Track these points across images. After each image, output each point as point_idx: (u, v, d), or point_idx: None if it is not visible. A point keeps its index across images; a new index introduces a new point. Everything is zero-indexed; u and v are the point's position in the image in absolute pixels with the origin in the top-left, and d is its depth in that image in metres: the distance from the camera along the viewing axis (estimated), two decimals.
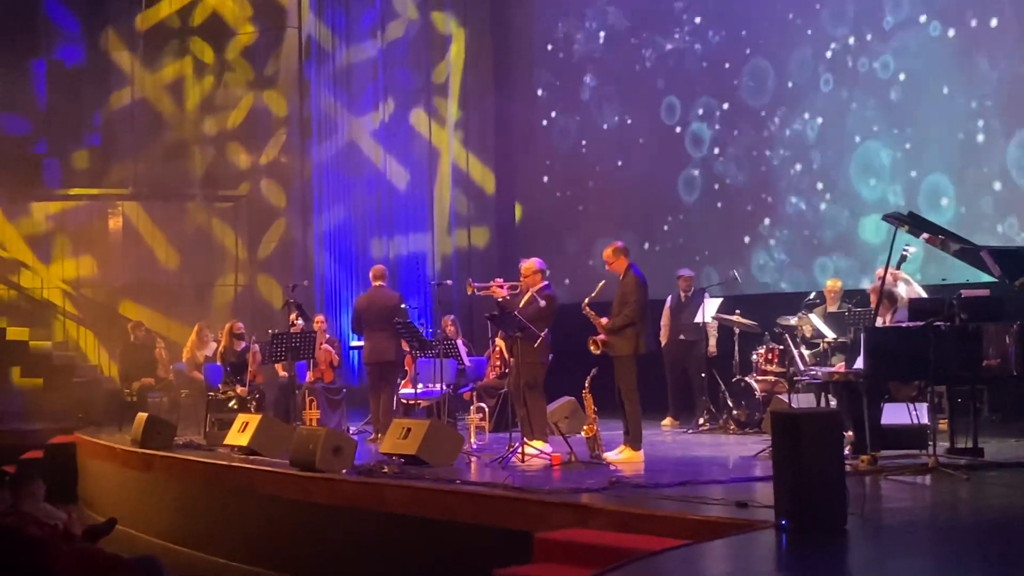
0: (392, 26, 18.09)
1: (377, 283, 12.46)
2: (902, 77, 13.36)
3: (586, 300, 10.16)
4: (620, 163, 16.31)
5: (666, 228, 15.74)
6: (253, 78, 18.70)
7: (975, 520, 7.41)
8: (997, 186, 12.61)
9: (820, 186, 14.16)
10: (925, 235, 9.51)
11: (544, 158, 17.37)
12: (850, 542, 6.40)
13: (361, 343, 13.10)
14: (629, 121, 16.17)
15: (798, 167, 14.36)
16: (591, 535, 7.39)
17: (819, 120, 14.15)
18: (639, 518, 7.32)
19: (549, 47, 17.35)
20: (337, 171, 18.31)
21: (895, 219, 9.31)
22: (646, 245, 15.73)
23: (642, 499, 7.82)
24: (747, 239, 14.86)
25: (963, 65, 12.90)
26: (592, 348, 10.04)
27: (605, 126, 16.42)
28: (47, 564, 6.48)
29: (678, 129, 15.61)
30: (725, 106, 15.11)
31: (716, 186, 15.24)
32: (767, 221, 14.68)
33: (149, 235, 18.36)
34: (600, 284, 10.17)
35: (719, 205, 15.21)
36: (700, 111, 15.38)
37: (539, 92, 17.41)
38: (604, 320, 10.00)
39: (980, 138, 12.77)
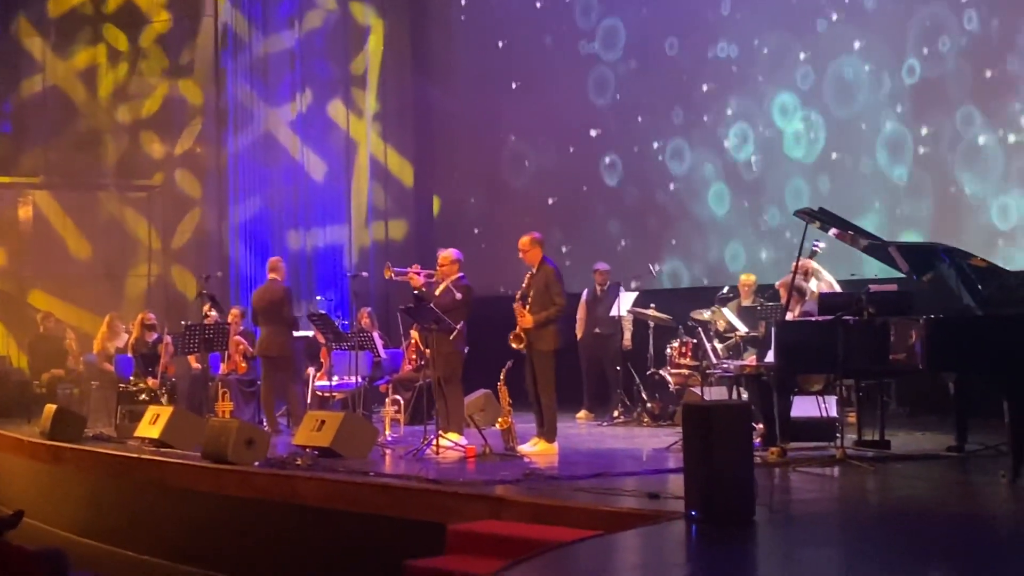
0: (310, 16, 17.96)
1: (271, 275, 12.37)
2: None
3: (518, 294, 10.11)
4: (539, 156, 16.35)
5: (583, 221, 15.81)
6: (168, 67, 18.42)
7: (881, 511, 7.51)
8: None
9: (737, 180, 14.32)
10: (835, 231, 9.64)
11: (463, 151, 17.37)
12: (758, 532, 6.46)
13: None
14: (548, 114, 16.19)
15: (711, 159, 14.53)
16: (504, 527, 7.40)
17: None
18: (552, 510, 7.35)
19: (468, 40, 17.35)
20: (253, 162, 18.12)
21: (806, 215, 9.43)
22: (564, 238, 15.79)
23: (556, 491, 7.82)
24: (665, 233, 14.96)
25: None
26: (514, 343, 10.03)
27: (525, 119, 16.42)
28: None
29: (593, 127, 15.69)
30: (646, 98, 15.19)
31: (635, 179, 15.32)
32: (685, 215, 14.79)
33: (60, 224, 18.02)
34: (528, 275, 10.13)
35: (638, 198, 15.30)
36: (617, 103, 15.48)
37: (458, 85, 17.39)
38: (530, 317, 9.96)
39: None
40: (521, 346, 10.00)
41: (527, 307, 9.98)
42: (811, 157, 13.64)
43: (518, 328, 9.97)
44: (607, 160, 15.59)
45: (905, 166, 12.93)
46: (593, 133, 15.74)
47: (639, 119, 15.24)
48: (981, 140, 12.39)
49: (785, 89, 13.84)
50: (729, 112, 14.38)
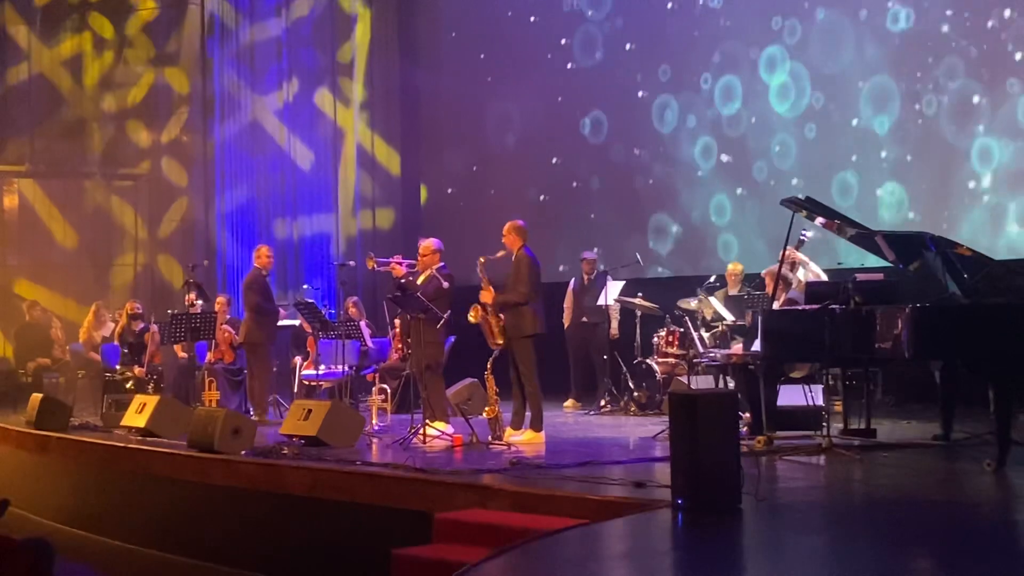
0: (297, 4, 17.89)
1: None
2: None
3: (482, 259, 10.15)
4: (527, 145, 16.33)
5: (570, 210, 15.81)
6: (154, 55, 18.33)
7: (867, 499, 7.53)
8: None
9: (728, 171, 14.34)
10: (821, 220, 9.65)
11: (451, 140, 17.35)
12: (744, 521, 6.47)
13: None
14: (535, 104, 16.18)
15: (701, 152, 14.51)
16: (490, 515, 7.41)
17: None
18: (539, 498, 7.35)
19: (454, 31, 17.33)
20: (240, 151, 18.06)
21: (792, 204, 9.43)
22: (550, 227, 15.79)
23: (542, 480, 7.82)
24: (652, 221, 14.96)
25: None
26: (471, 316, 10.03)
27: (511, 108, 16.41)
28: None
29: (585, 117, 15.68)
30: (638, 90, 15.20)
31: (621, 168, 15.32)
32: (672, 204, 14.79)
33: (46, 213, 17.93)
34: (501, 253, 10.14)
35: (624, 187, 15.30)
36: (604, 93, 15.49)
37: (445, 73, 17.37)
38: (491, 291, 9.97)
39: None
40: (476, 319, 9.97)
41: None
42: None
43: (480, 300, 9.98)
44: (599, 151, 15.55)
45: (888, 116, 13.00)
46: (585, 123, 15.70)
47: (634, 110, 15.19)
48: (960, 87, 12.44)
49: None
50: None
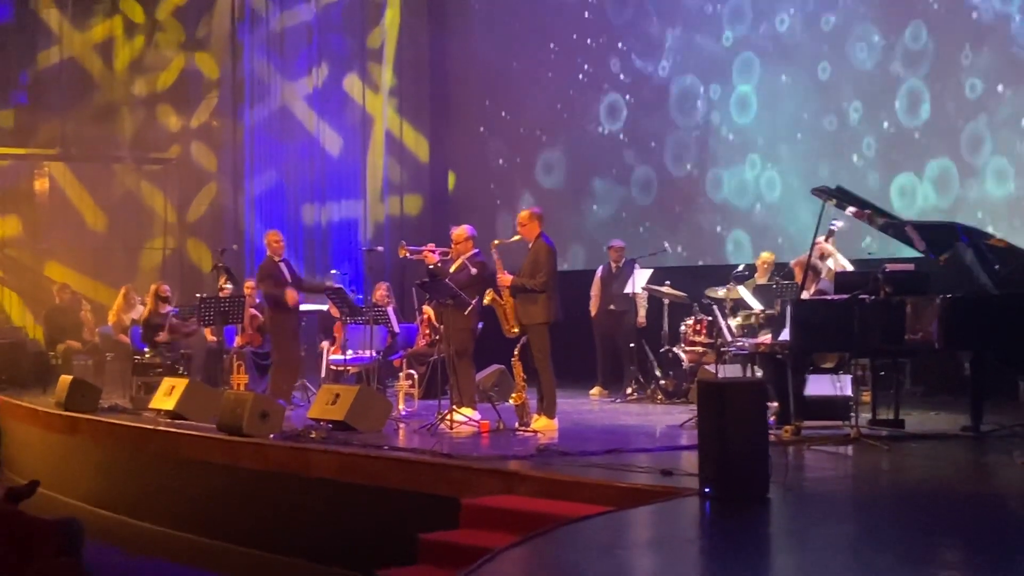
0: None
1: None
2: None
3: (496, 241, 10.13)
4: (555, 133, 16.30)
5: (597, 199, 15.77)
6: (184, 39, 18.41)
7: (895, 490, 7.49)
8: None
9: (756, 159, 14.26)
10: (852, 209, 9.60)
11: (479, 126, 17.31)
12: (772, 510, 6.46)
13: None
14: (567, 90, 16.12)
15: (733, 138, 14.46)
16: (517, 501, 7.41)
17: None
18: (565, 485, 7.34)
19: (485, 16, 17.26)
20: (269, 136, 18.12)
21: (823, 193, 9.39)
22: (577, 216, 15.76)
23: (569, 467, 7.80)
24: (682, 210, 14.91)
25: None
26: (486, 298, 10.01)
27: (545, 95, 16.35)
28: None
29: (616, 105, 15.62)
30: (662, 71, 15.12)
31: (651, 157, 15.27)
32: (706, 193, 14.73)
33: (76, 196, 18.04)
34: (516, 237, 10.11)
35: (655, 176, 15.24)
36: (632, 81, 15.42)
37: (476, 60, 17.32)
38: (508, 276, 9.94)
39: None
40: (490, 301, 9.96)
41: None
42: None
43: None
44: (626, 137, 15.51)
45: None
46: (616, 110, 15.62)
47: (670, 102, 15.09)
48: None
49: None
50: None
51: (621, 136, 15.53)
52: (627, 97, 15.45)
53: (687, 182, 14.84)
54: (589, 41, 15.87)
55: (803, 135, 13.68)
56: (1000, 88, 12.05)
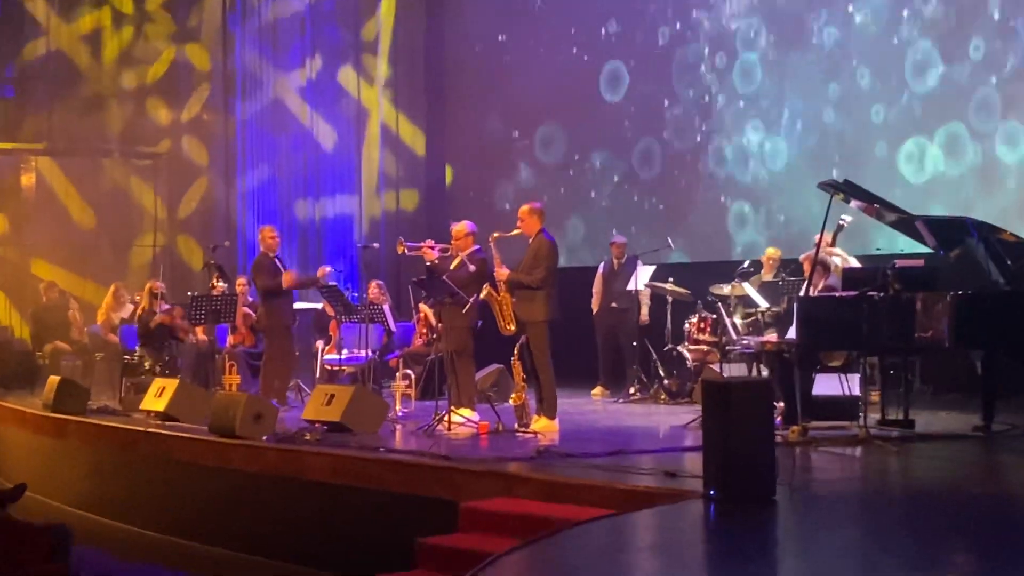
0: None
1: None
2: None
3: (495, 234, 9.96)
4: (553, 127, 16.11)
5: (595, 194, 15.59)
6: (174, 31, 18.20)
7: (904, 492, 7.45)
8: None
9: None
10: (860, 204, 9.44)
11: (476, 120, 17.15)
12: (779, 512, 6.40)
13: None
14: (564, 84, 15.94)
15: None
16: (517, 504, 7.32)
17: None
18: (566, 487, 7.24)
19: (481, 8, 17.09)
20: (262, 129, 17.94)
21: (830, 187, 9.22)
22: (576, 211, 15.59)
23: (570, 469, 7.71)
24: (688, 206, 14.72)
25: None
26: (482, 293, 9.86)
27: (539, 87, 16.17)
28: None
29: (615, 99, 15.43)
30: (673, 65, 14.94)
31: (653, 130, 15.05)
32: (711, 188, 14.53)
33: (63, 192, 17.82)
34: (515, 231, 9.93)
35: (655, 172, 15.05)
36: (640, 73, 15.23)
37: (472, 52, 17.17)
38: (506, 270, 9.78)
39: None
40: (484, 295, 9.79)
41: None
42: None
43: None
44: (627, 130, 15.31)
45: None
46: (618, 78, 15.44)
47: (665, 102, 14.93)
48: None
49: None
50: None
51: (621, 130, 15.33)
52: (628, 69, 15.26)
53: (690, 157, 14.67)
54: (584, 28, 15.69)
55: (808, 102, 13.51)
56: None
